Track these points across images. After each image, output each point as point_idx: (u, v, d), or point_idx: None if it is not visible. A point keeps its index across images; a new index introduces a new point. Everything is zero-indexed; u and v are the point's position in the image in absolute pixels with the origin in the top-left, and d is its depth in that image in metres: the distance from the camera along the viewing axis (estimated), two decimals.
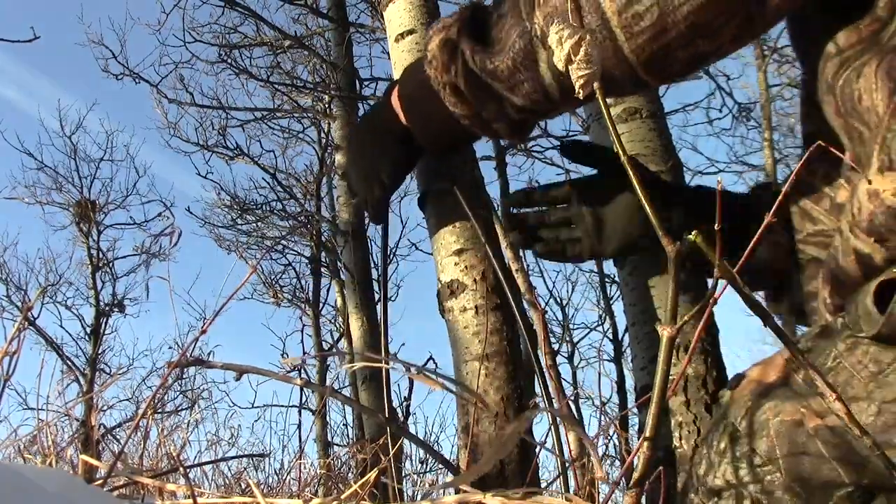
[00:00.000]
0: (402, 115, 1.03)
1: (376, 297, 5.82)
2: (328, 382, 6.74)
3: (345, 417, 6.75)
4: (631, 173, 0.53)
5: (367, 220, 5.63)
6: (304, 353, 6.91)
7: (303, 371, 6.85)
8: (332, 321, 7.30)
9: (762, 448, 0.70)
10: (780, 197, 0.57)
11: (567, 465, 0.88)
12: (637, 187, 0.52)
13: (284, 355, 7.56)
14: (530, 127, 1.01)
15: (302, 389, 6.32)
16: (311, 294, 7.24)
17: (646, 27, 0.75)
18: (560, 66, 0.76)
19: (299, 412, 6.37)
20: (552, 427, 0.92)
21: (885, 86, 0.69)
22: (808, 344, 0.74)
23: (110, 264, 8.22)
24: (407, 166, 1.14)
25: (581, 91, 0.74)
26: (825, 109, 0.80)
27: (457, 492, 0.52)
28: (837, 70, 0.76)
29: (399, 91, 1.04)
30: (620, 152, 0.54)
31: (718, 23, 0.76)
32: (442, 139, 1.03)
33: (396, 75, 1.46)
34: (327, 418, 6.51)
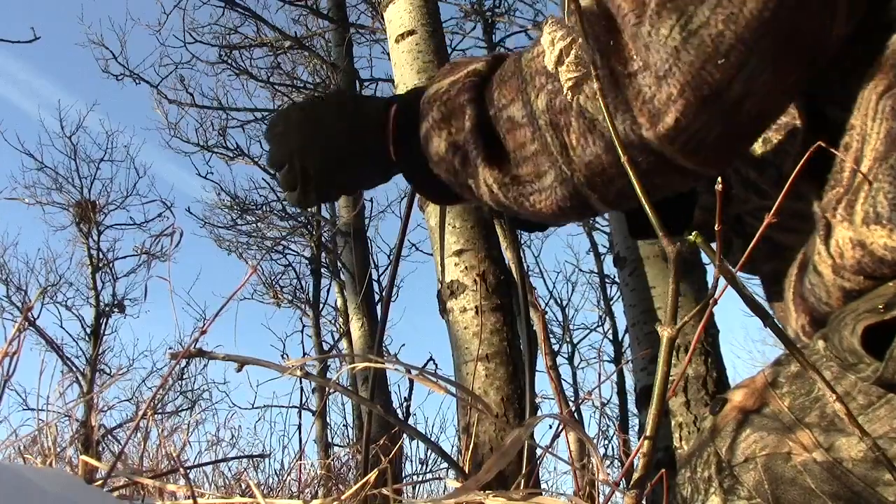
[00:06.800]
0: (400, 167, 0.91)
1: (376, 297, 5.82)
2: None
3: (345, 418, 6.76)
4: (631, 174, 0.53)
5: (366, 218, 5.62)
6: (305, 353, 6.91)
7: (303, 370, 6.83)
8: (333, 322, 7.31)
9: (749, 482, 0.69)
10: (779, 199, 0.57)
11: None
12: (637, 187, 0.52)
13: (285, 356, 7.56)
14: None
15: (302, 390, 6.32)
16: (311, 294, 7.24)
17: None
18: (550, 66, 0.75)
19: (299, 413, 6.38)
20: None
21: (887, 122, 0.66)
22: (793, 368, 0.73)
23: (110, 265, 8.22)
24: (367, 185, 1.00)
25: (570, 93, 0.72)
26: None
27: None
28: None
29: (395, 145, 0.90)
30: (620, 153, 0.54)
31: (785, 102, 0.71)
32: (449, 201, 0.94)
33: (397, 76, 1.46)
34: (327, 419, 6.52)
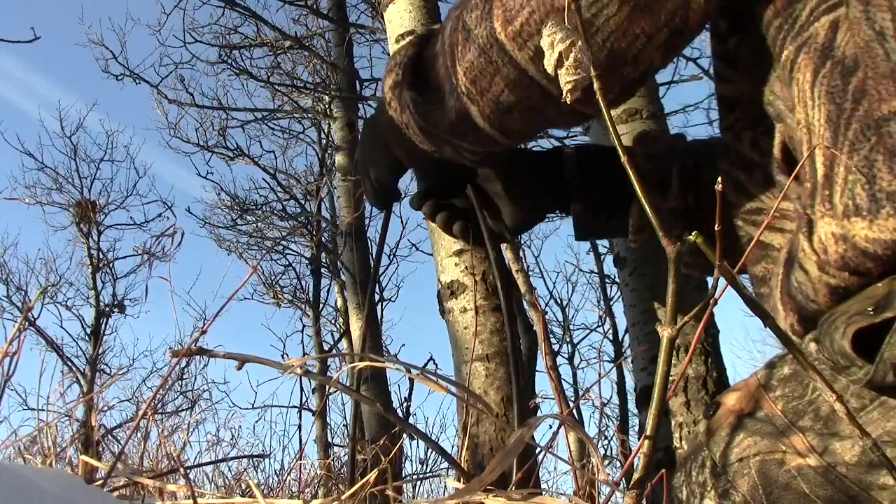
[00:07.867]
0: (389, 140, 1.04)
1: (376, 297, 5.82)
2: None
3: (345, 418, 6.76)
4: (631, 174, 0.53)
5: (366, 218, 5.66)
6: (305, 353, 6.91)
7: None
8: (333, 322, 7.30)
9: (744, 487, 0.70)
10: (775, 205, 0.57)
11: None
12: (637, 188, 0.52)
13: (285, 356, 7.56)
14: (498, 154, 1.02)
15: (302, 390, 6.33)
16: (311, 294, 7.23)
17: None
18: (549, 69, 0.76)
19: (299, 413, 6.38)
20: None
21: (824, 107, 0.66)
22: (786, 371, 0.73)
23: (110, 265, 8.21)
24: (401, 170, 1.13)
25: (569, 95, 0.74)
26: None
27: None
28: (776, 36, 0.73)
29: (382, 116, 1.03)
30: (620, 153, 0.54)
31: (639, 47, 0.76)
32: (425, 163, 1.06)
33: None
34: (327, 419, 6.51)
